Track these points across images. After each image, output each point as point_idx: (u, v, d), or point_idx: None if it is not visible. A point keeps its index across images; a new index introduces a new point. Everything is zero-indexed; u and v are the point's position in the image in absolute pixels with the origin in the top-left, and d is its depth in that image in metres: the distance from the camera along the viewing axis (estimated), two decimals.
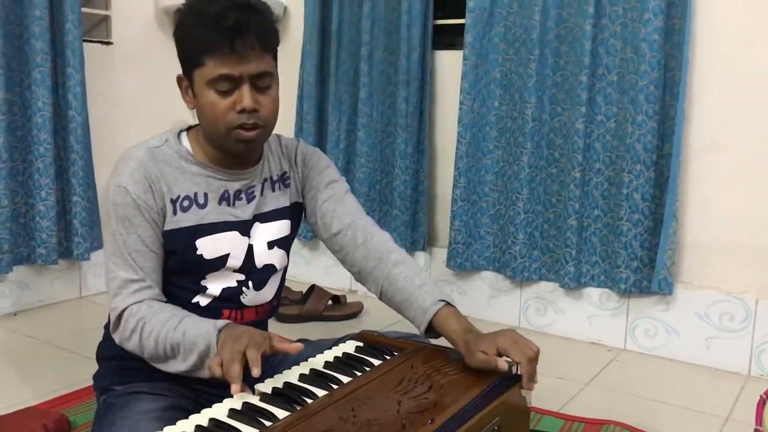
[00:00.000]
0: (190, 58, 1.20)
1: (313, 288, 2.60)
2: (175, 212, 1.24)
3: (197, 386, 1.27)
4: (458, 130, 2.46)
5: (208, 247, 1.25)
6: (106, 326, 1.31)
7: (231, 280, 1.29)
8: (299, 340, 1.48)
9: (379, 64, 2.68)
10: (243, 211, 1.29)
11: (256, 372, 1.02)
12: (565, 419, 1.77)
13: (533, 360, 1.13)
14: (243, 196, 1.30)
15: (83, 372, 1.78)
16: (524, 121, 2.37)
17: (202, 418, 0.99)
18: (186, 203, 1.24)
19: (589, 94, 2.25)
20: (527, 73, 2.34)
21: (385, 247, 1.33)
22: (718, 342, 2.16)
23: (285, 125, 2.86)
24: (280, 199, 1.36)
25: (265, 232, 1.33)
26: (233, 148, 1.23)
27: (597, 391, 2.00)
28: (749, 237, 2.12)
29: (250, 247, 1.30)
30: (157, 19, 2.85)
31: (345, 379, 1.12)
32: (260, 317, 1.36)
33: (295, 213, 1.40)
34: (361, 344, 1.28)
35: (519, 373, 1.13)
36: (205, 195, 1.26)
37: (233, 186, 1.29)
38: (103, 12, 2.73)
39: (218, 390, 1.14)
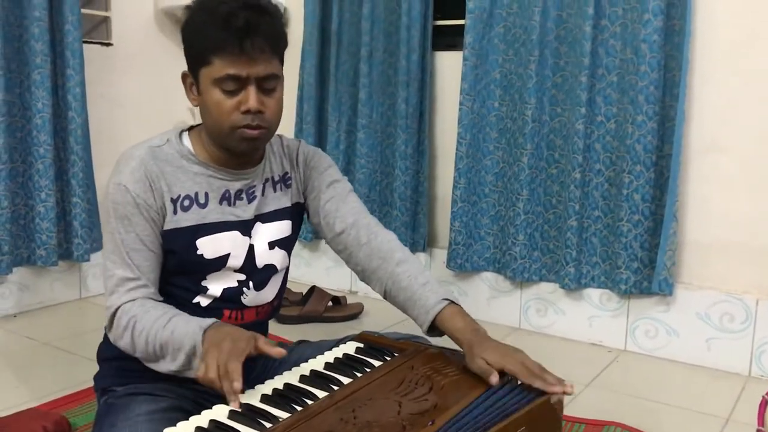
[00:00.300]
0: (197, 55, 1.20)
1: (313, 289, 2.60)
2: (175, 212, 1.23)
3: (198, 387, 1.26)
4: (458, 131, 2.46)
5: (208, 246, 1.25)
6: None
7: (232, 281, 1.29)
8: (299, 342, 1.49)
9: (379, 64, 2.68)
10: (244, 211, 1.29)
11: (237, 386, 1.02)
12: (566, 420, 1.76)
13: (539, 377, 1.12)
14: (244, 196, 1.30)
15: (83, 373, 1.78)
16: (524, 122, 2.37)
17: (203, 419, 0.99)
18: (187, 203, 1.24)
19: (589, 95, 2.25)
20: (527, 74, 2.34)
21: (389, 246, 1.33)
22: (719, 343, 2.16)
23: (285, 126, 2.83)
24: (281, 200, 1.36)
25: (266, 233, 1.32)
26: (236, 147, 1.23)
27: (597, 392, 2.00)
28: (749, 237, 2.12)
29: (251, 247, 1.30)
30: (157, 20, 2.85)
31: (345, 381, 1.12)
32: (261, 318, 1.36)
33: (297, 214, 1.40)
34: (361, 345, 1.28)
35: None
36: (206, 195, 1.26)
37: (234, 186, 1.29)
38: (102, 13, 2.73)
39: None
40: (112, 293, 1.21)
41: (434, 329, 1.25)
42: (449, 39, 2.64)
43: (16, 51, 2.36)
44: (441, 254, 2.64)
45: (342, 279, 2.85)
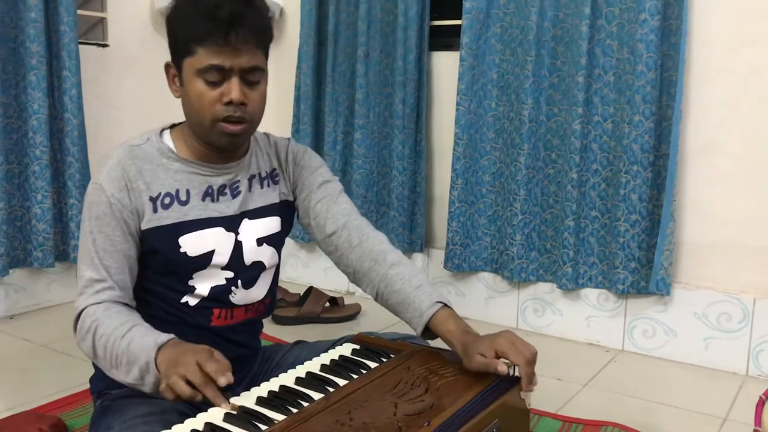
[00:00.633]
0: (181, 45, 1.19)
1: (310, 290, 2.60)
2: (155, 210, 1.22)
3: None
4: (455, 132, 2.46)
5: (191, 244, 1.24)
6: None
7: (219, 279, 1.28)
8: (296, 342, 1.48)
9: (376, 65, 2.68)
10: (228, 206, 1.28)
11: (222, 381, 0.99)
12: (564, 420, 1.77)
13: (531, 362, 1.12)
14: (227, 191, 1.29)
15: (80, 375, 1.77)
16: (521, 122, 2.36)
17: (198, 422, 0.99)
18: (167, 200, 1.23)
19: (585, 95, 2.25)
20: (524, 74, 2.34)
21: (381, 248, 1.32)
22: (716, 342, 2.16)
23: (282, 126, 2.86)
24: (268, 196, 1.35)
25: (254, 229, 1.31)
26: (218, 142, 1.22)
27: (595, 392, 2.00)
28: (747, 237, 2.12)
29: (238, 244, 1.29)
30: (153, 21, 2.84)
31: (341, 382, 1.12)
32: (251, 316, 1.34)
33: (286, 211, 1.38)
34: (357, 347, 1.28)
35: (518, 374, 1.12)
36: (187, 191, 1.25)
37: (217, 181, 1.28)
38: (99, 14, 2.73)
39: None
40: (81, 294, 1.19)
41: (427, 332, 1.25)
42: (446, 39, 2.64)
43: (11, 52, 2.36)
44: (438, 254, 2.64)
45: (339, 280, 2.85)
